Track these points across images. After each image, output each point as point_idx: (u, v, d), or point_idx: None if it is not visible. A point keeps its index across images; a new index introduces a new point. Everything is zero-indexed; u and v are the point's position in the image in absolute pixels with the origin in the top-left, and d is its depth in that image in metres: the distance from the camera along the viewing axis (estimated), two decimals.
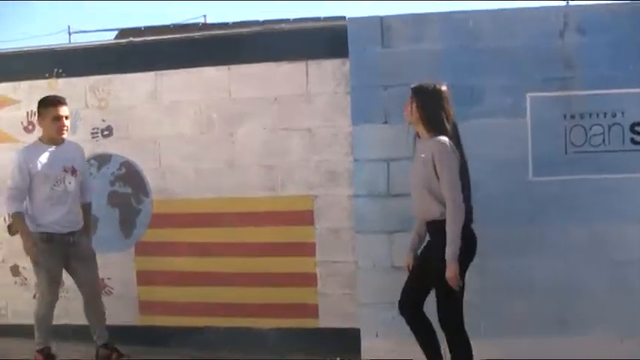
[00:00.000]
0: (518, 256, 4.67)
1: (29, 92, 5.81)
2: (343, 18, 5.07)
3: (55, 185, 4.88)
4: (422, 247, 4.35)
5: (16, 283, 6.00)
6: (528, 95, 4.68)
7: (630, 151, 4.67)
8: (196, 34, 5.84)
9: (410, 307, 4.27)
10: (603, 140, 4.69)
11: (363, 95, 4.78)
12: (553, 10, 4.77)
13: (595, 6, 4.84)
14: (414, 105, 4.11)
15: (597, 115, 4.68)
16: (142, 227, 5.53)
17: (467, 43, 4.68)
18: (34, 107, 5.29)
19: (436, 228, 4.08)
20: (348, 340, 5.05)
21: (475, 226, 4.19)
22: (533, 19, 4.70)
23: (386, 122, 4.73)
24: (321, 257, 5.27)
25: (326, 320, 5.31)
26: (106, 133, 5.72)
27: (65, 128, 4.95)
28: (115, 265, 5.19)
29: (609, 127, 4.68)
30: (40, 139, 5.01)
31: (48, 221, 4.89)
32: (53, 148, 4.95)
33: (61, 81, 5.84)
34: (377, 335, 4.84)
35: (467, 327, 4.61)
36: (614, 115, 4.67)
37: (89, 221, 5.21)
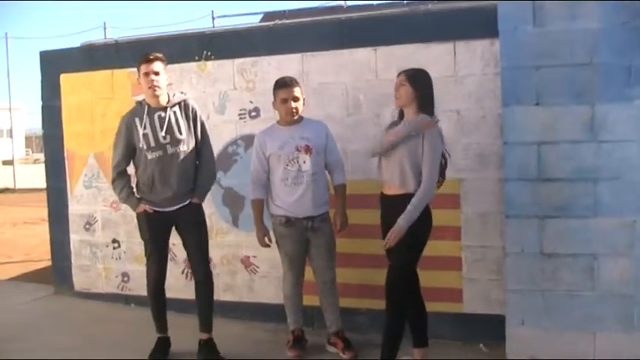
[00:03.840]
0: None
1: (180, 75, 6.02)
2: None
3: (287, 165, 4.93)
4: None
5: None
6: None
7: None
8: (343, 16, 5.84)
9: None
10: None
11: (513, 76, 4.61)
12: None
13: None
14: (406, 88, 4.39)
15: None
16: None
17: (627, 20, 4.43)
18: (184, 89, 5.48)
19: (404, 201, 4.30)
20: (492, 326, 4.99)
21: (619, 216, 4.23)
22: None
23: (537, 104, 4.56)
24: (466, 241, 5.20)
25: (470, 305, 5.25)
26: (253, 114, 5.85)
27: (294, 110, 4.96)
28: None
29: None
30: (278, 121, 5.12)
31: (285, 203, 4.98)
32: (288, 128, 5.02)
33: (210, 63, 6.03)
34: (523, 323, 4.71)
35: (618, 318, 4.48)
36: None
37: (342, 205, 5.15)
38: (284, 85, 4.97)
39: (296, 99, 4.95)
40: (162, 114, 4.91)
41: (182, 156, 4.94)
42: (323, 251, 5.07)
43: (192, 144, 4.99)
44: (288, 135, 4.98)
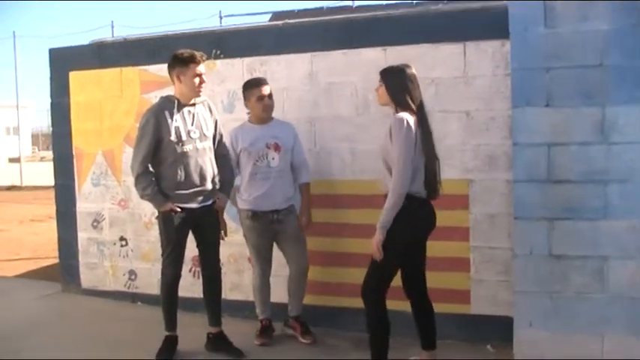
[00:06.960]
0: None
1: None
2: None
3: (257, 161, 5.21)
4: None
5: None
6: None
7: None
8: (352, 15, 5.84)
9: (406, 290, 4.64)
10: None
11: (524, 77, 4.58)
12: None
13: None
14: (382, 87, 4.38)
15: None
16: None
17: (638, 22, 4.39)
18: None
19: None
20: (500, 327, 4.97)
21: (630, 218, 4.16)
22: None
23: (548, 105, 4.54)
24: (475, 242, 5.18)
25: (478, 306, 5.24)
26: None
27: (270, 107, 5.24)
28: None
29: None
30: (249, 120, 5.36)
31: (252, 197, 5.23)
32: (260, 126, 5.32)
33: (219, 62, 6.02)
34: (530, 324, 4.68)
35: (627, 321, 4.46)
36: None
37: (307, 203, 5.48)
38: (259, 83, 5.24)
39: (270, 96, 5.23)
40: (192, 109, 5.03)
41: (210, 152, 5.09)
42: (292, 239, 5.36)
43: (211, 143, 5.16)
44: (259, 133, 5.25)
